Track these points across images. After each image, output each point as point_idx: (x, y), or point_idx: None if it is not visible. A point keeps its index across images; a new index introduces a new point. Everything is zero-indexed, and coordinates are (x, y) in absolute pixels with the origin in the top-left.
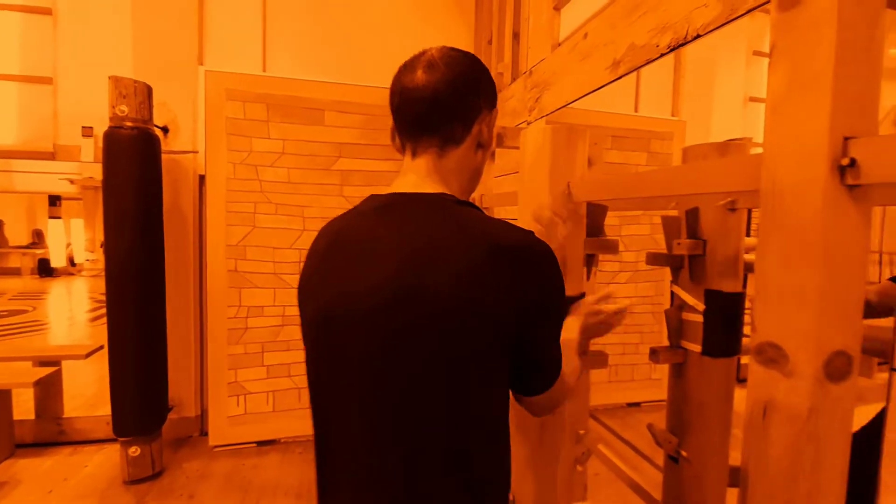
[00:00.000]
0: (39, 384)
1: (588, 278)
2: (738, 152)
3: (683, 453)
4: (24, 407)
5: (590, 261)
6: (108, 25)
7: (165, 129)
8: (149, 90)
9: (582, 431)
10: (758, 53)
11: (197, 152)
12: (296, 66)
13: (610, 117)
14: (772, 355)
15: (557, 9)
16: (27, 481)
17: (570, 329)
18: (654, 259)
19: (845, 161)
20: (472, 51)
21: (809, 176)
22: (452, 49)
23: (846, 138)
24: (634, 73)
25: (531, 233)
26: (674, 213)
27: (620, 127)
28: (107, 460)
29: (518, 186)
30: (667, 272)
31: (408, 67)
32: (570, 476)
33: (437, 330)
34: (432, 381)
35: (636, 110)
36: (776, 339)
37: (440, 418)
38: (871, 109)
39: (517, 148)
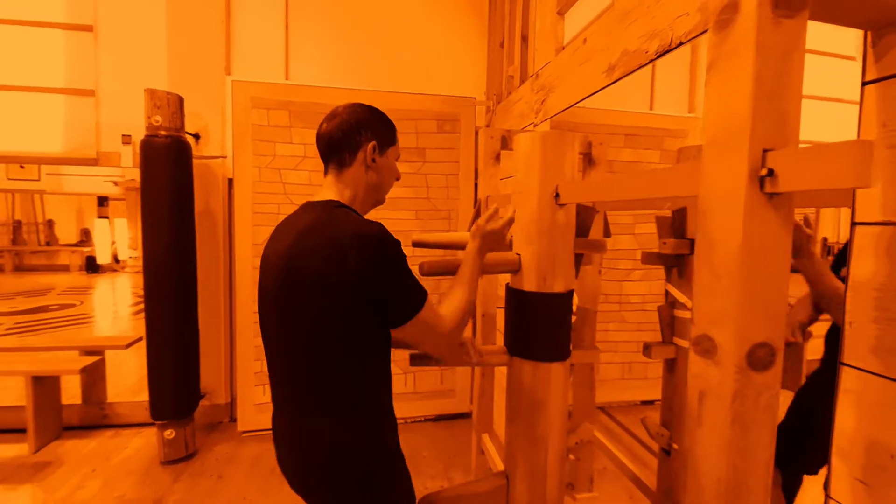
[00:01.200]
0: (85, 371)
1: (577, 275)
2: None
3: (675, 446)
4: (71, 392)
5: (579, 259)
6: (145, 41)
7: (197, 136)
8: (180, 101)
9: (580, 423)
10: None
11: (225, 157)
12: (317, 72)
13: (623, 116)
14: (706, 346)
15: (561, 13)
16: (73, 461)
17: (469, 248)
18: (648, 258)
19: (763, 171)
20: (485, 53)
21: (733, 184)
22: (353, 104)
23: (765, 150)
24: (650, 72)
25: (368, 224)
26: (667, 213)
27: (634, 125)
28: (145, 442)
29: (512, 189)
30: None
31: (323, 119)
32: (563, 464)
33: (302, 289)
34: (304, 327)
35: (651, 108)
36: (709, 331)
37: (313, 351)
38: (791, 124)
39: None
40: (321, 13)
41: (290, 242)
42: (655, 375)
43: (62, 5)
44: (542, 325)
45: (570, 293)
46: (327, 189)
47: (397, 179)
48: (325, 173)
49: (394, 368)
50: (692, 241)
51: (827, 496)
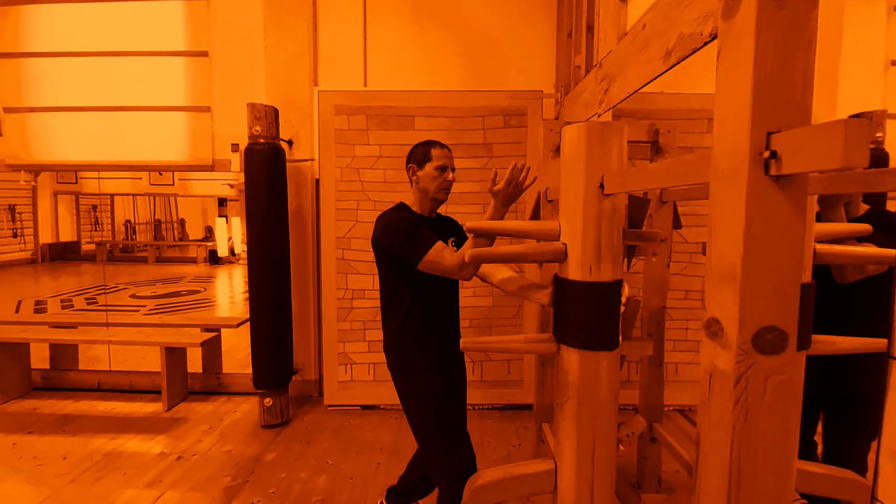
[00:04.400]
0: (205, 345)
1: (628, 267)
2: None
3: None
4: (195, 363)
5: (631, 251)
6: (247, 62)
7: (290, 142)
8: (275, 112)
9: (631, 415)
10: None
11: (314, 160)
12: (393, 77)
13: (705, 99)
14: (715, 329)
15: (624, 0)
16: (194, 419)
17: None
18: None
19: (766, 154)
20: (553, 44)
21: (737, 168)
22: (417, 143)
23: (769, 133)
24: None
25: (384, 215)
26: None
27: None
28: (250, 408)
29: (560, 180)
30: None
31: None
32: (610, 452)
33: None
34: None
35: None
36: (717, 314)
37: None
38: (798, 106)
39: None
40: (396, 21)
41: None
42: None
43: (181, 36)
44: (587, 314)
45: (617, 283)
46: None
47: (449, 182)
48: None
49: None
50: None
51: (873, 498)
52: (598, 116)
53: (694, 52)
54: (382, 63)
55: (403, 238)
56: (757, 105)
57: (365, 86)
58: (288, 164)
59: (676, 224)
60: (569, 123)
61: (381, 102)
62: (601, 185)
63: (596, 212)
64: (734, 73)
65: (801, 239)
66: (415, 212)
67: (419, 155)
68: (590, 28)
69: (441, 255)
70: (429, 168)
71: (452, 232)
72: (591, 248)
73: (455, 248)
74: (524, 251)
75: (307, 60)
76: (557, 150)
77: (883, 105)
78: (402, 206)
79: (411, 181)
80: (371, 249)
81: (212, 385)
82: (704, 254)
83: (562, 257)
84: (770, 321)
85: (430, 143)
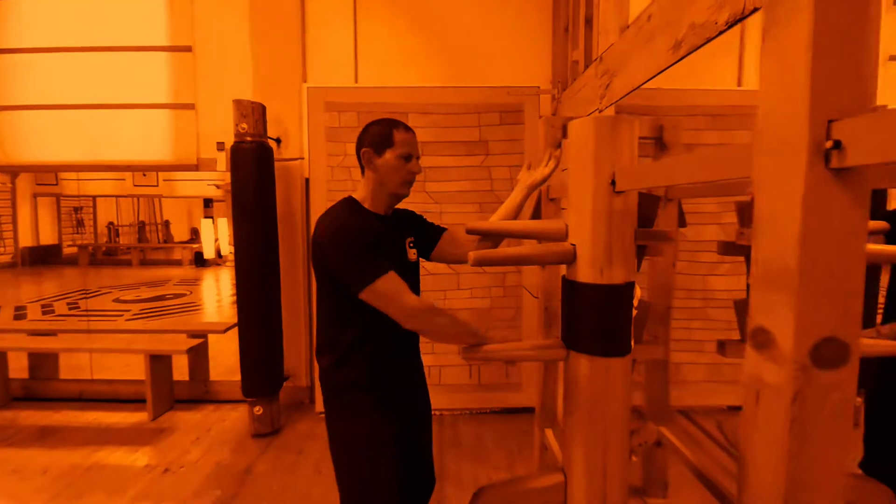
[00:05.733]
0: (191, 352)
1: (639, 268)
2: None
3: None
4: (182, 370)
5: (641, 251)
6: (233, 57)
7: (278, 140)
8: (263, 109)
9: (645, 423)
10: None
11: (303, 158)
12: (384, 73)
13: (706, 94)
14: (762, 340)
15: None
16: (181, 429)
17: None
18: (727, 249)
19: (828, 144)
20: (549, 39)
21: (792, 161)
22: (372, 121)
23: (830, 121)
24: (737, 45)
25: (328, 215)
26: (747, 198)
27: (719, 104)
28: (239, 417)
29: (567, 177)
30: None
31: None
32: (622, 463)
33: (311, 259)
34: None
35: (739, 84)
36: (766, 324)
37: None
38: (861, 90)
39: None
40: (387, 17)
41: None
42: None
43: (164, 30)
44: (598, 319)
45: (629, 285)
46: (357, 188)
47: (415, 173)
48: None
49: (458, 360)
50: None
51: None
52: (600, 112)
53: (707, 42)
54: (374, 59)
55: (349, 256)
56: (816, 90)
57: (356, 82)
58: (276, 163)
59: (682, 222)
60: (572, 119)
61: (372, 99)
62: (612, 182)
63: (607, 210)
64: (786, 54)
65: (864, 239)
66: (366, 210)
67: (377, 137)
68: (588, 21)
69: (396, 290)
70: (390, 156)
71: (411, 230)
72: (602, 248)
73: (415, 252)
74: (531, 252)
75: (295, 56)
76: (559, 146)
77: (882, 100)
78: (351, 204)
79: (363, 169)
80: None
81: (199, 393)
82: (720, 252)
83: (570, 258)
84: (830, 331)
85: (391, 124)
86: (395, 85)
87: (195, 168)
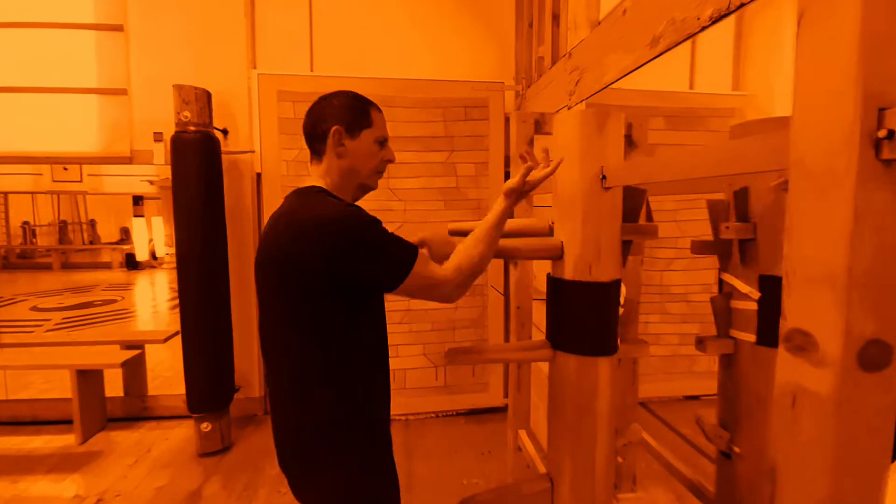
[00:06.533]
0: (126, 365)
1: (624, 264)
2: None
3: (736, 449)
4: (115, 385)
5: (627, 247)
6: (172, 38)
7: (225, 132)
8: (208, 96)
9: (628, 423)
10: None
11: (254, 152)
12: (343, 63)
13: (663, 96)
14: (800, 342)
15: None
16: (116, 452)
17: (498, 207)
18: (700, 247)
19: (882, 133)
20: (512, 36)
21: (840, 152)
22: (327, 94)
23: (881, 109)
24: (689, 48)
25: (334, 208)
26: (721, 195)
27: (675, 106)
28: (184, 434)
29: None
30: None
31: None
32: (611, 466)
33: (273, 270)
34: (276, 306)
35: (691, 87)
36: (805, 325)
37: (285, 332)
38: None
39: None
40: (345, 3)
41: (267, 230)
42: (700, 370)
43: (92, 6)
44: (587, 317)
45: (616, 283)
46: (308, 178)
47: (389, 162)
48: (309, 161)
49: (423, 362)
50: (755, 225)
51: None
52: (569, 109)
53: (689, 38)
54: (331, 47)
55: (380, 252)
56: (866, 76)
57: (312, 71)
58: (223, 156)
59: (648, 218)
60: (549, 115)
61: (331, 89)
62: (602, 177)
63: (596, 206)
64: (831, 39)
65: None
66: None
67: (349, 114)
68: (555, 17)
69: (428, 266)
70: (367, 138)
71: None
72: (591, 245)
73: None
74: (519, 246)
75: (243, 39)
76: (531, 143)
77: None
78: (324, 192)
79: (320, 153)
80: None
81: (136, 410)
82: (694, 251)
83: (558, 255)
84: (874, 333)
85: (364, 100)
86: (354, 75)
87: (128, 161)
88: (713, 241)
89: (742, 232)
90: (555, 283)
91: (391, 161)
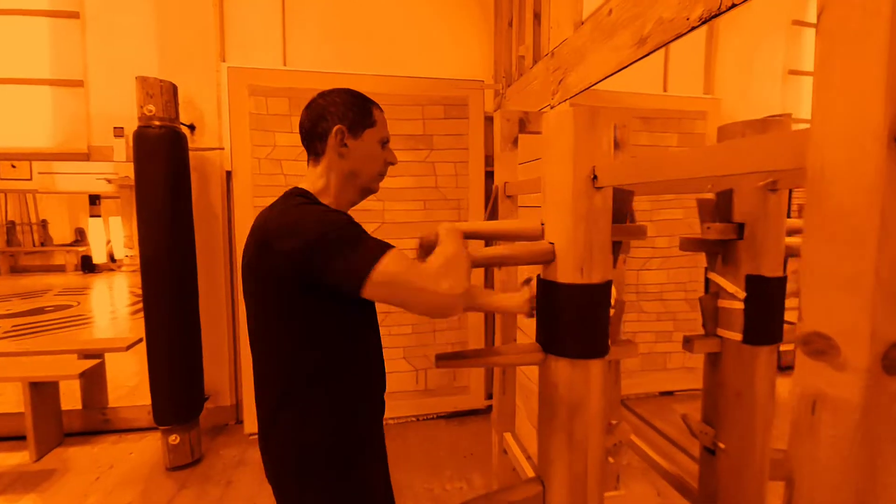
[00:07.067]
0: (84, 376)
1: (615, 265)
2: (779, 129)
3: (721, 445)
4: (72, 397)
5: (617, 248)
6: (134, 27)
7: (192, 127)
8: (174, 89)
9: (614, 422)
10: (798, 23)
11: (223, 149)
12: (317, 57)
13: (638, 98)
14: (820, 346)
15: None
16: (76, 468)
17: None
18: (689, 245)
19: None
20: (492, 34)
21: (862, 152)
22: (327, 90)
23: None
24: (662, 50)
25: (296, 210)
26: (710, 195)
27: (648, 108)
28: (149, 448)
29: (541, 172)
30: (701, 258)
31: None
32: (602, 468)
33: (249, 276)
34: (255, 309)
35: (665, 89)
36: (825, 329)
37: (266, 336)
38: None
39: (540, 133)
40: None
41: (250, 235)
42: (674, 366)
43: None
44: (580, 320)
45: (608, 284)
46: (304, 179)
47: (391, 164)
48: (307, 163)
49: (404, 366)
50: (740, 226)
51: None
52: (552, 108)
53: (677, 38)
54: (305, 40)
55: (343, 249)
56: (893, 73)
57: (285, 65)
58: (191, 153)
59: (631, 218)
60: (533, 114)
61: (306, 84)
62: (594, 177)
63: (587, 206)
64: (854, 35)
65: None
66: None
67: (352, 112)
68: (537, 16)
69: (408, 266)
70: (370, 139)
71: None
72: (583, 246)
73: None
74: (511, 253)
75: (212, 30)
76: (515, 142)
77: (783, 109)
78: (309, 197)
79: (318, 154)
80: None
81: (96, 423)
82: (682, 248)
83: (551, 258)
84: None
85: (367, 100)
86: (331, 70)
87: (85, 158)
88: (702, 240)
89: (724, 232)
90: (547, 286)
91: (393, 163)
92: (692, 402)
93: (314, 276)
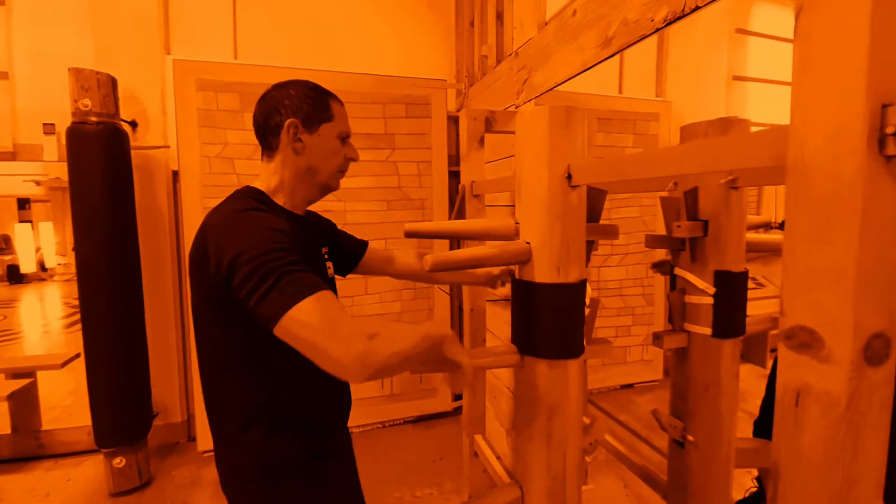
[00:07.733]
0: (13, 397)
1: (587, 264)
2: (740, 129)
3: (689, 437)
4: (1, 421)
5: (590, 247)
6: (67, 14)
7: (134, 124)
8: (113, 82)
9: (587, 420)
10: (741, 31)
11: (168, 147)
12: (270, 52)
13: (596, 99)
14: (804, 339)
15: None
16: (7, 499)
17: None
18: (654, 241)
19: (890, 129)
20: (453, 34)
21: (843, 148)
22: (281, 82)
23: (884, 105)
24: (618, 56)
25: (221, 209)
26: (677, 194)
27: (605, 109)
28: (90, 472)
29: (513, 171)
30: (657, 255)
31: None
32: (580, 468)
33: (190, 277)
34: (195, 316)
35: (620, 91)
36: (809, 322)
37: (201, 337)
38: None
39: (506, 132)
40: None
41: (195, 235)
42: (633, 359)
43: None
44: (557, 320)
45: (583, 283)
46: (258, 177)
47: (352, 160)
48: (261, 159)
49: None
50: (706, 223)
51: None
52: (516, 108)
53: (642, 40)
54: (258, 33)
55: (269, 272)
56: (873, 72)
57: (235, 58)
58: (133, 152)
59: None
60: (498, 114)
61: (259, 79)
62: (569, 176)
63: (563, 205)
64: (835, 33)
65: None
66: (278, 206)
67: (307, 105)
68: (499, 16)
69: (324, 318)
70: (326, 133)
71: (326, 237)
72: (559, 245)
73: (332, 266)
74: (488, 253)
75: (155, 19)
76: (482, 141)
77: (728, 113)
78: (256, 196)
79: (276, 148)
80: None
81: (29, 448)
82: (648, 245)
83: (527, 257)
84: (878, 328)
85: (325, 93)
86: (285, 65)
87: (11, 157)
88: (667, 237)
89: (693, 230)
90: (522, 286)
91: (354, 160)
92: (651, 394)
93: (237, 294)
